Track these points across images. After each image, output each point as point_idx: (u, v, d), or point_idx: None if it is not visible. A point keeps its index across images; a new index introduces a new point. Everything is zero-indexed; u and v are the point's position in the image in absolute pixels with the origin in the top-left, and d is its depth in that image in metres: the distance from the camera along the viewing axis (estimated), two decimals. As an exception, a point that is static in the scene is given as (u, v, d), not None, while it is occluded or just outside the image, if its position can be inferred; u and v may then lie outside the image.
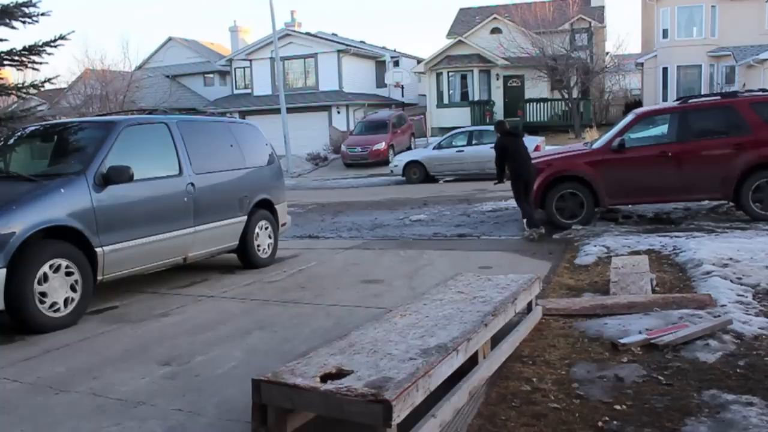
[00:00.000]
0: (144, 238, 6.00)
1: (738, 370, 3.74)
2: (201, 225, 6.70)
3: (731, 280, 5.55)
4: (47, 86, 13.07)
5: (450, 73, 30.01)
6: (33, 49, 11.94)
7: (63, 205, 5.35)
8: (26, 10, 11.58)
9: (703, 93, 22.50)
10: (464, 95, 29.96)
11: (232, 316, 5.56)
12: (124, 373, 4.20)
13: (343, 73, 31.96)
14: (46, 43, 11.90)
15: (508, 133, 9.53)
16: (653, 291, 5.49)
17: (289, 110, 26.95)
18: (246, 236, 7.42)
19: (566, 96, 27.57)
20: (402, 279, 6.72)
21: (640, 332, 4.38)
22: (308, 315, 5.48)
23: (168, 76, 36.15)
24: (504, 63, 29.33)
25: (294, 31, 33.51)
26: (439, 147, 19.90)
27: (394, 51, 37.95)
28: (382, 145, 24.03)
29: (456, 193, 15.16)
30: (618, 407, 3.34)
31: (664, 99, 28.01)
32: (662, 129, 9.43)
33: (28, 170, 5.99)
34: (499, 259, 7.49)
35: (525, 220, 9.16)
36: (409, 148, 24.13)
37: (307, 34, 33.99)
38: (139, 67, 35.38)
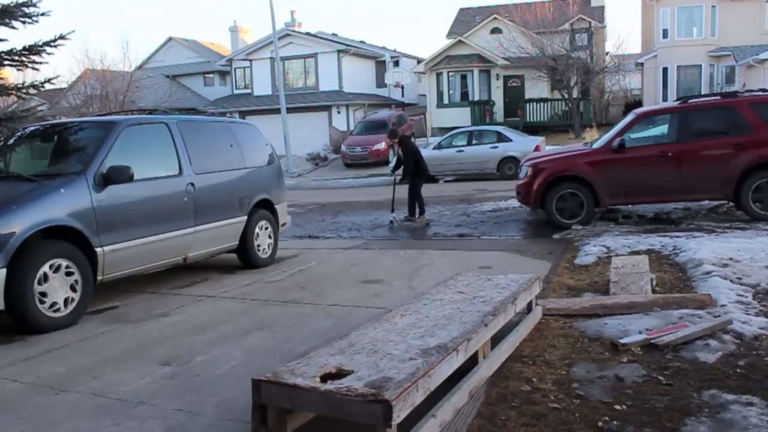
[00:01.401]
0: (144, 238, 6.00)
1: (738, 370, 3.74)
2: (201, 225, 6.70)
3: (731, 280, 5.54)
4: (47, 86, 13.07)
5: (450, 73, 30.02)
6: (33, 49, 11.95)
7: (63, 205, 5.35)
8: (26, 9, 11.59)
9: (703, 93, 22.50)
10: (464, 95, 29.98)
11: (232, 316, 5.56)
12: (124, 373, 4.20)
13: (343, 73, 31.98)
14: (46, 43, 11.90)
15: (408, 137, 11.49)
16: (653, 291, 5.49)
17: (289, 110, 26.95)
18: (246, 236, 7.42)
19: (566, 96, 27.58)
20: (402, 279, 6.72)
21: (640, 332, 4.38)
22: (308, 315, 5.47)
23: (168, 76, 36.16)
24: (504, 63, 29.34)
25: (294, 31, 33.52)
26: (439, 147, 19.89)
27: (394, 51, 37.97)
28: (382, 145, 24.03)
29: (456, 193, 15.16)
30: (618, 407, 3.34)
31: (664, 99, 28.01)
32: (662, 129, 9.43)
33: (28, 170, 5.99)
34: (499, 259, 7.49)
35: (406, 211, 10.89)
36: (409, 148, 24.09)
37: (307, 34, 34.00)
38: (139, 67, 35.36)
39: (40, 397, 3.85)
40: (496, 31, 31.23)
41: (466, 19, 35.32)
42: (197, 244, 6.73)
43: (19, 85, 12.52)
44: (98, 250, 5.55)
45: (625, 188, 9.07)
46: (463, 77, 30.08)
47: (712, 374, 3.71)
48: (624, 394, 3.50)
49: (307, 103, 30.91)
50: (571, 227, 9.04)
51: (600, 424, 3.17)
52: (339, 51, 32.06)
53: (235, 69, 35.24)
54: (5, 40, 12.12)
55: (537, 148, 17.81)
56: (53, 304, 5.19)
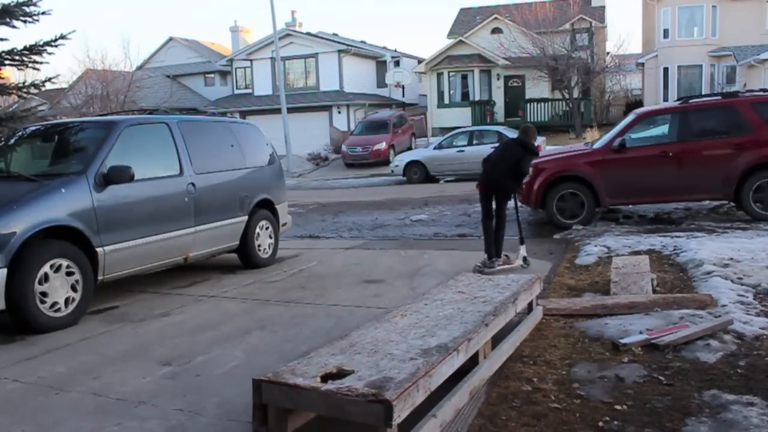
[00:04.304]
0: (145, 238, 6.00)
1: (739, 371, 3.74)
2: (202, 225, 6.70)
3: (732, 281, 5.54)
4: (48, 86, 13.05)
5: (451, 73, 30.02)
6: (34, 49, 11.93)
7: (64, 205, 5.35)
8: (27, 9, 11.58)
9: (703, 93, 22.48)
10: (465, 95, 29.97)
11: (233, 316, 5.56)
12: (125, 372, 4.20)
13: (344, 73, 31.96)
14: (47, 43, 11.89)
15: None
16: (654, 291, 5.49)
17: (290, 110, 26.95)
18: (247, 236, 7.42)
19: (567, 96, 27.57)
20: (402, 279, 6.71)
21: (640, 332, 4.38)
22: (309, 315, 5.47)
23: (169, 76, 36.17)
24: (505, 63, 29.33)
25: (295, 31, 33.52)
26: (439, 147, 19.90)
27: (395, 51, 37.95)
28: (383, 145, 24.03)
29: (457, 193, 15.15)
30: (618, 407, 3.34)
31: (665, 99, 27.99)
32: (663, 129, 9.43)
33: (29, 170, 5.99)
34: (500, 259, 7.47)
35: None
36: (409, 148, 24.13)
37: (308, 34, 33.99)
38: (140, 67, 35.39)
39: (41, 396, 3.86)
40: (496, 31, 31.24)
41: (466, 19, 35.32)
42: (198, 244, 6.73)
43: (19, 85, 12.49)
44: (99, 250, 5.55)
45: (626, 188, 9.07)
46: (464, 77, 30.08)
47: (713, 374, 3.71)
48: (624, 394, 3.50)
49: (307, 103, 30.90)
50: (572, 227, 9.04)
51: (601, 424, 3.17)
52: (340, 51, 32.05)
53: (235, 69, 35.24)
54: (6, 39, 12.13)
55: (538, 148, 17.78)
56: (54, 303, 5.19)
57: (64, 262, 5.28)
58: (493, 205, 7.22)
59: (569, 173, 9.28)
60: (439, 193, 15.64)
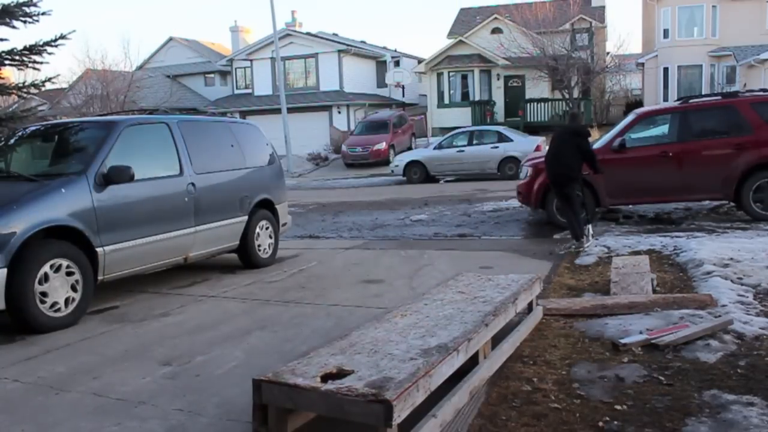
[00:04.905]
0: (145, 238, 6.00)
1: (739, 371, 3.74)
2: (202, 225, 6.70)
3: (732, 281, 5.54)
4: (48, 86, 13.04)
5: (451, 73, 30.02)
6: (34, 49, 11.93)
7: (64, 205, 5.35)
8: (27, 9, 11.57)
9: (703, 93, 22.48)
10: (465, 95, 29.98)
11: (233, 316, 5.56)
12: (125, 372, 4.20)
13: (344, 73, 31.97)
14: (47, 43, 11.89)
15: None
16: (654, 291, 5.49)
17: (290, 110, 26.96)
18: (247, 236, 7.42)
19: (567, 96, 27.57)
20: (402, 279, 6.71)
21: (640, 332, 4.38)
22: (309, 315, 5.48)
23: (169, 76, 36.19)
24: (505, 63, 29.33)
25: (295, 31, 33.53)
26: (439, 147, 19.90)
27: (395, 51, 37.96)
28: (383, 145, 24.04)
29: (457, 193, 15.16)
30: (618, 407, 3.34)
31: (665, 99, 28.00)
32: (663, 129, 9.43)
33: (29, 170, 5.99)
34: (500, 259, 7.49)
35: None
36: (409, 148, 24.15)
37: (308, 34, 34.01)
38: (140, 67, 35.42)
39: (41, 396, 3.85)
40: (496, 31, 31.25)
41: (466, 19, 35.33)
42: (198, 244, 6.73)
43: (19, 85, 12.49)
44: (99, 250, 5.55)
45: (626, 188, 9.06)
46: (464, 77, 30.08)
47: (713, 374, 3.71)
48: (625, 394, 3.50)
49: (307, 103, 30.91)
50: (572, 227, 9.02)
51: (601, 424, 3.17)
52: (340, 51, 32.05)
53: (235, 69, 35.25)
54: (6, 39, 12.12)
55: (538, 148, 17.82)
56: (54, 303, 5.19)
57: (64, 262, 5.27)
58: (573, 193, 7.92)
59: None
60: (439, 193, 15.65)
